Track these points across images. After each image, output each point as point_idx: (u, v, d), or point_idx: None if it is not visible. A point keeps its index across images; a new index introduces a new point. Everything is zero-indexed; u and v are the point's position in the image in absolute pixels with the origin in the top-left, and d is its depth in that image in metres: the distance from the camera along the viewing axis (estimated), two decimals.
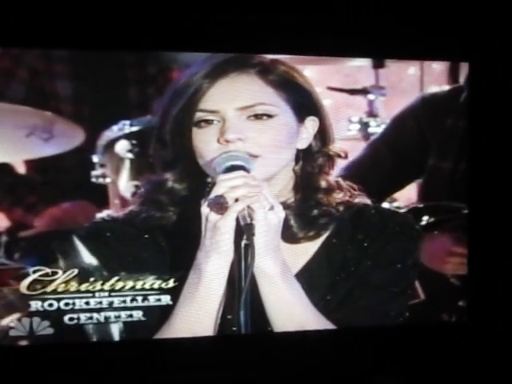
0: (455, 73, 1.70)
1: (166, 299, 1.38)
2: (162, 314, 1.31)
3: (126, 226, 1.32)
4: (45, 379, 1.46)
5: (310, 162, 1.33)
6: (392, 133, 1.70)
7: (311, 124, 1.32)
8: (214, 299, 1.27)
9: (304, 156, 1.33)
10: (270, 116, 1.26)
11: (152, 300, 1.39)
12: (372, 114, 1.74)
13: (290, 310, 1.31)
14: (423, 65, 1.74)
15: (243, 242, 1.20)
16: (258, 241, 1.19)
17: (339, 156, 1.35)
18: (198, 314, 1.27)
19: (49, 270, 1.35)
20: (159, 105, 1.32)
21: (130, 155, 1.65)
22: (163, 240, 1.33)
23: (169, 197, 1.30)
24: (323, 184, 1.33)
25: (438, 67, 1.74)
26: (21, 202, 1.71)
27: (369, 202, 1.38)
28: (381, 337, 1.45)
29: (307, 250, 1.34)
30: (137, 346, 1.40)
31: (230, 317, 1.30)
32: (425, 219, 1.65)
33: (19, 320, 1.40)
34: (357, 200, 1.36)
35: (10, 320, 1.41)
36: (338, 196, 1.34)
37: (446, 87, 1.71)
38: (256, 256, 1.20)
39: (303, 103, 1.30)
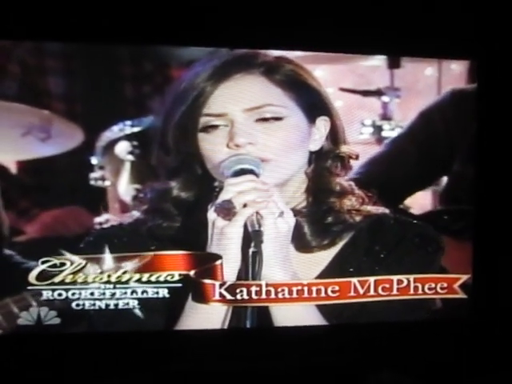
0: (474, 74, 1.70)
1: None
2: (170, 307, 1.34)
3: (133, 234, 1.33)
4: (52, 368, 1.48)
5: (322, 164, 1.33)
6: (417, 128, 1.69)
7: (323, 124, 1.33)
8: (220, 308, 1.30)
9: (316, 158, 1.33)
10: (279, 118, 1.27)
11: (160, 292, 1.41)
12: (386, 116, 1.74)
13: (298, 320, 1.33)
14: (441, 65, 1.74)
15: (251, 250, 1.20)
16: (266, 248, 1.21)
17: (350, 157, 1.36)
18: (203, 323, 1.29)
19: (57, 261, 1.37)
20: (160, 109, 1.32)
21: (131, 157, 1.65)
22: (171, 248, 1.34)
23: (175, 205, 1.31)
24: (335, 187, 1.33)
25: (457, 68, 1.75)
26: (13, 207, 1.71)
27: (387, 211, 1.38)
28: (383, 333, 1.47)
29: (320, 259, 1.35)
30: (146, 338, 1.42)
31: (236, 322, 1.32)
32: (449, 224, 1.65)
33: (27, 310, 1.43)
34: (369, 208, 1.36)
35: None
36: (350, 202, 1.34)
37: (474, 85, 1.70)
38: (264, 264, 1.21)
39: (313, 103, 1.31)
